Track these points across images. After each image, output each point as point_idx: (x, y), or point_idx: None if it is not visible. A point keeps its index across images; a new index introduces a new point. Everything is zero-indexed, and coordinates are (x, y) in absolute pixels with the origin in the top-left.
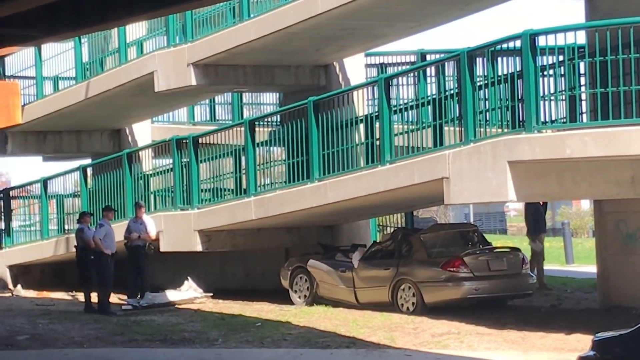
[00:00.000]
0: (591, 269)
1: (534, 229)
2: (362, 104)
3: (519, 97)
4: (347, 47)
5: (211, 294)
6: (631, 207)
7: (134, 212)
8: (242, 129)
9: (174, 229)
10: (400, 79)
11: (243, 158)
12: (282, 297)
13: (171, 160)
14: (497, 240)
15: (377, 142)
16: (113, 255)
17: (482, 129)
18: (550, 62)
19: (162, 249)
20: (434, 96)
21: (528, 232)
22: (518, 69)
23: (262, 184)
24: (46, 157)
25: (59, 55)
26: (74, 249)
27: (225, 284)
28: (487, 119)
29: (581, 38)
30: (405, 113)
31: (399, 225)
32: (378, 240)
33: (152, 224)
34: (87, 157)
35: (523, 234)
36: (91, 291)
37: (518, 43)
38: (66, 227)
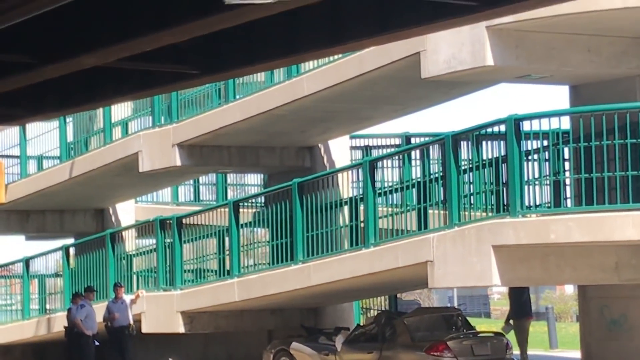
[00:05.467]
0: (575, 354)
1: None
2: (347, 186)
3: (504, 181)
4: (332, 129)
5: None
6: (615, 292)
7: (114, 293)
8: (226, 209)
9: (156, 310)
10: (385, 161)
11: (227, 239)
12: None
13: (154, 241)
14: (480, 324)
15: (362, 225)
16: (94, 335)
17: (466, 213)
18: (534, 146)
19: (144, 330)
20: (419, 179)
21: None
22: (503, 153)
23: (246, 265)
24: (29, 237)
25: (44, 134)
26: (54, 329)
27: None
28: (472, 202)
29: (566, 123)
30: (390, 196)
31: (383, 308)
32: (361, 323)
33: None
34: (70, 236)
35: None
36: None
37: (503, 127)
38: (47, 307)
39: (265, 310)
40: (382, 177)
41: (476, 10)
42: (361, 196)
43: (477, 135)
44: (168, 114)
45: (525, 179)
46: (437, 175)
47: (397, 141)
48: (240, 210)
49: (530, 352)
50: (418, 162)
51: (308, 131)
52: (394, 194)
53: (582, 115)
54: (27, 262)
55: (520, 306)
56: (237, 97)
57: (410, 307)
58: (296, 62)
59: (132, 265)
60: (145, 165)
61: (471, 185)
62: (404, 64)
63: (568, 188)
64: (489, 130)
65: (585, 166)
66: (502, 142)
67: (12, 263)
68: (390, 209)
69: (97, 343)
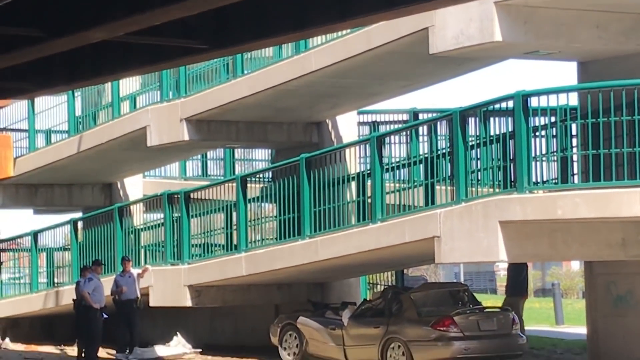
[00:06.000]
0: (581, 330)
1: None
2: (354, 161)
3: (511, 158)
4: (340, 105)
5: (200, 350)
6: (622, 268)
7: (122, 267)
8: (234, 184)
9: (163, 284)
10: (392, 137)
11: (234, 214)
12: (271, 354)
13: (162, 215)
14: (487, 300)
15: (369, 200)
16: (102, 309)
17: (473, 189)
18: (542, 123)
19: (151, 304)
20: (426, 155)
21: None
22: (510, 130)
23: (253, 240)
24: (37, 210)
25: (52, 108)
26: (62, 303)
27: (214, 340)
28: (479, 178)
29: (573, 100)
30: (397, 171)
31: (389, 283)
32: (368, 298)
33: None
34: (78, 210)
35: None
36: (83, 345)
37: (511, 104)
38: (56, 281)
39: (272, 285)
40: (389, 152)
41: None
42: (368, 172)
43: (484, 111)
44: (176, 89)
45: (533, 155)
46: (444, 151)
47: (405, 117)
48: (248, 185)
49: (536, 327)
50: (425, 138)
51: (316, 106)
52: (401, 170)
53: (590, 91)
54: (35, 235)
55: (517, 284)
56: (245, 72)
57: (416, 283)
58: (304, 37)
59: (140, 239)
60: (153, 140)
61: (478, 161)
62: (412, 39)
63: (575, 164)
64: (497, 106)
65: (592, 142)
66: (509, 119)
67: (21, 236)
68: (397, 185)
69: (105, 316)
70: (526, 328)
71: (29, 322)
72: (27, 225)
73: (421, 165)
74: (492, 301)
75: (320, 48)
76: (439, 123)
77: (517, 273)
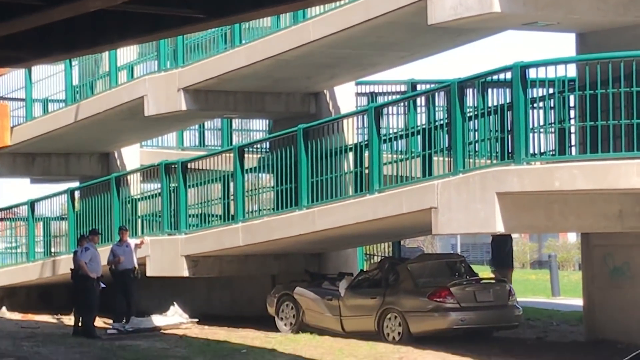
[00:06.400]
0: (577, 302)
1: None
2: (352, 132)
3: (509, 129)
4: (338, 76)
5: (197, 320)
6: (618, 240)
7: (119, 237)
8: (231, 155)
9: (160, 254)
10: (390, 108)
11: (231, 184)
12: (268, 324)
13: (159, 185)
14: (483, 271)
15: (366, 171)
16: (99, 278)
17: (471, 160)
18: (540, 94)
19: (148, 274)
20: (424, 126)
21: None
22: (508, 101)
23: (250, 210)
24: (34, 179)
25: (49, 77)
26: (59, 272)
27: (212, 310)
28: (477, 149)
29: (572, 71)
30: (395, 142)
31: (386, 254)
32: (365, 269)
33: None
34: (75, 180)
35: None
36: (79, 314)
37: (509, 75)
38: (52, 250)
39: (270, 255)
40: (387, 123)
41: None
42: (366, 142)
43: (482, 82)
44: (174, 58)
45: (531, 126)
46: (442, 122)
47: (403, 88)
48: (245, 155)
49: (532, 299)
50: (423, 109)
51: (314, 77)
52: (399, 141)
53: (588, 63)
54: (32, 204)
55: (503, 257)
56: (243, 42)
57: (413, 254)
58: (303, 7)
59: (137, 209)
60: (150, 110)
61: (476, 133)
62: (410, 10)
63: (573, 136)
64: (495, 77)
65: (590, 114)
66: (507, 90)
67: (17, 205)
68: (395, 156)
69: (103, 285)
70: (522, 300)
71: (26, 291)
72: (24, 195)
73: (419, 136)
74: (488, 273)
75: (319, 18)
76: (436, 94)
77: (501, 245)
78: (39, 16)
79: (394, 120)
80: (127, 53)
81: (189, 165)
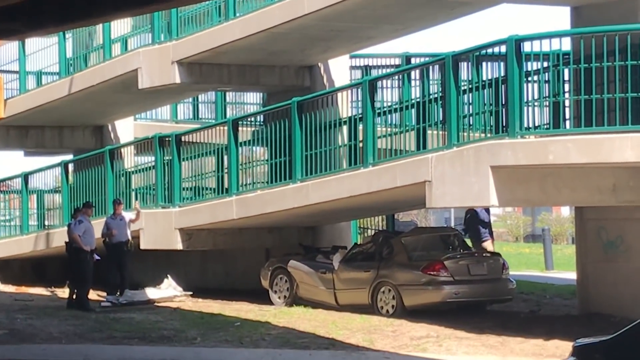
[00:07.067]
0: (571, 275)
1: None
2: (346, 105)
3: (503, 102)
4: (333, 49)
5: (191, 293)
6: (612, 214)
7: (113, 210)
8: (226, 128)
9: (154, 227)
10: (384, 81)
11: (225, 157)
12: (261, 297)
13: (153, 158)
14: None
15: (360, 144)
16: (93, 251)
17: (465, 133)
18: (534, 68)
19: (142, 247)
20: (418, 99)
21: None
22: (502, 74)
23: (244, 183)
24: (28, 152)
25: (43, 50)
26: (53, 245)
27: (205, 283)
28: (471, 123)
29: (566, 45)
30: (389, 116)
31: (380, 228)
32: (359, 243)
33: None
34: (69, 152)
35: (503, 239)
36: (73, 287)
37: (503, 48)
38: (46, 223)
39: (263, 229)
40: (381, 97)
41: None
42: (360, 116)
43: (477, 55)
44: (168, 31)
45: (525, 100)
46: (436, 95)
47: (397, 61)
48: (240, 128)
49: (526, 272)
50: (418, 82)
51: (308, 50)
52: (393, 114)
53: (583, 36)
54: (25, 177)
55: (476, 230)
56: (237, 14)
57: (407, 228)
58: None
59: (131, 182)
60: (144, 82)
61: (470, 106)
62: None
63: (567, 109)
64: (489, 51)
65: (585, 88)
66: (502, 63)
67: (11, 178)
68: (389, 129)
69: (97, 257)
70: (516, 273)
71: (20, 264)
72: (17, 167)
73: (413, 110)
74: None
75: None
76: (431, 67)
77: (475, 218)
78: None
79: (388, 94)
80: (121, 26)
81: (183, 138)
